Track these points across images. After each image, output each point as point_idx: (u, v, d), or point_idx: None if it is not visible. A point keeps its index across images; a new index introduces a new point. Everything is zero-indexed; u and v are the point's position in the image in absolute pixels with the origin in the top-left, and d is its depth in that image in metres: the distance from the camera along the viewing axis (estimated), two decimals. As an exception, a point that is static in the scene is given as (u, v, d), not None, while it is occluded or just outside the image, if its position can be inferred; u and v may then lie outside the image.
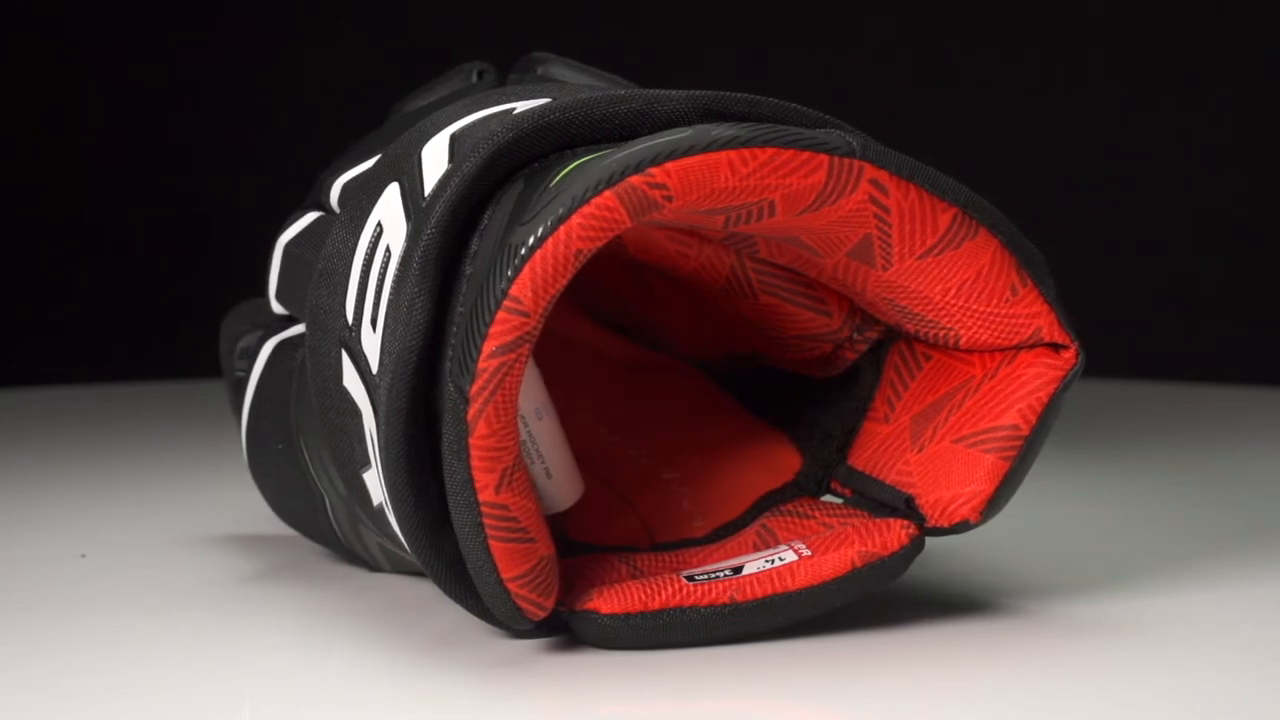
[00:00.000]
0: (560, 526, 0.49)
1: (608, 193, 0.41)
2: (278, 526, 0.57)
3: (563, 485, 0.48)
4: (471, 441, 0.41)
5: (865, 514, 0.47)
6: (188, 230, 1.42)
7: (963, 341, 0.46)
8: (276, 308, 0.54)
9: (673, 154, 0.41)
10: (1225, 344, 1.28)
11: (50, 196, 1.43)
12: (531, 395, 0.46)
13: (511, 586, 0.43)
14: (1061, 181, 1.30)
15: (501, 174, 0.44)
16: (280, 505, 0.55)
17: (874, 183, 0.43)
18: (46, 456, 0.82)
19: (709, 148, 0.42)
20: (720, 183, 0.42)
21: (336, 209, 0.52)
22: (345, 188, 0.51)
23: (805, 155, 0.42)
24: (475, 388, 0.41)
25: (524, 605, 0.43)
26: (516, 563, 0.42)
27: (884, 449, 0.48)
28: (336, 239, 0.48)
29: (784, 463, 0.50)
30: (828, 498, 0.50)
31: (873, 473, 0.48)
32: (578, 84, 0.51)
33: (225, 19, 1.42)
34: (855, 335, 0.49)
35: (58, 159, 1.43)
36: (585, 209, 0.41)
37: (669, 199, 0.41)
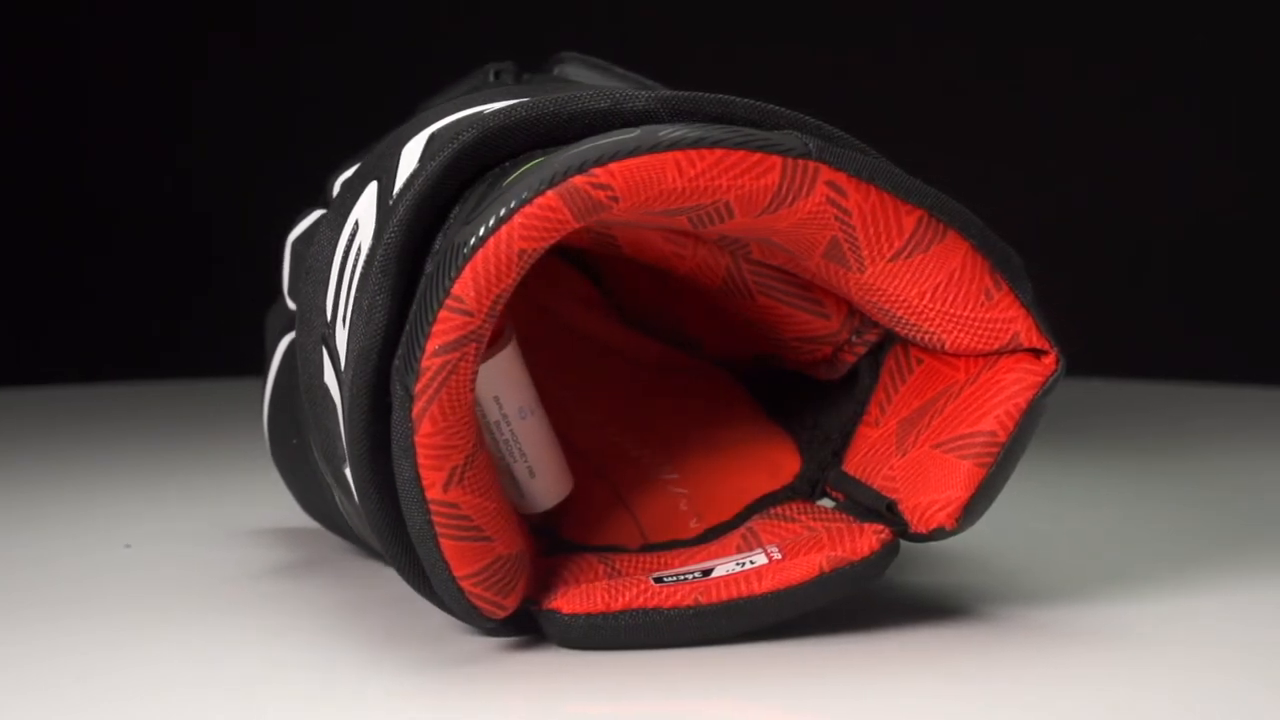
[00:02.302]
0: (553, 525, 0.49)
1: (550, 193, 0.41)
2: (305, 520, 0.58)
3: (547, 484, 0.48)
4: (417, 439, 0.41)
5: (850, 518, 0.47)
6: (188, 231, 1.42)
7: (947, 345, 0.46)
8: (290, 305, 0.54)
9: (617, 154, 0.41)
10: (1225, 344, 1.28)
11: (51, 197, 1.43)
12: (516, 395, 0.47)
13: (465, 585, 0.43)
14: (1061, 181, 1.30)
15: (469, 173, 0.44)
16: (303, 500, 0.56)
17: (831, 184, 0.43)
18: (47, 457, 0.82)
19: (655, 148, 0.41)
20: (668, 183, 0.42)
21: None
22: (341, 185, 0.51)
23: (757, 156, 0.42)
24: (419, 385, 0.41)
25: (480, 604, 0.43)
26: (469, 561, 0.43)
27: (873, 453, 0.48)
28: (322, 236, 0.48)
29: (784, 465, 0.50)
30: (824, 502, 0.50)
31: (861, 477, 0.47)
32: (587, 84, 0.51)
33: (228, 18, 1.42)
34: (854, 338, 0.49)
35: (59, 159, 1.43)
36: (527, 209, 0.41)
37: (615, 199, 0.41)
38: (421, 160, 0.44)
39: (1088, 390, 0.98)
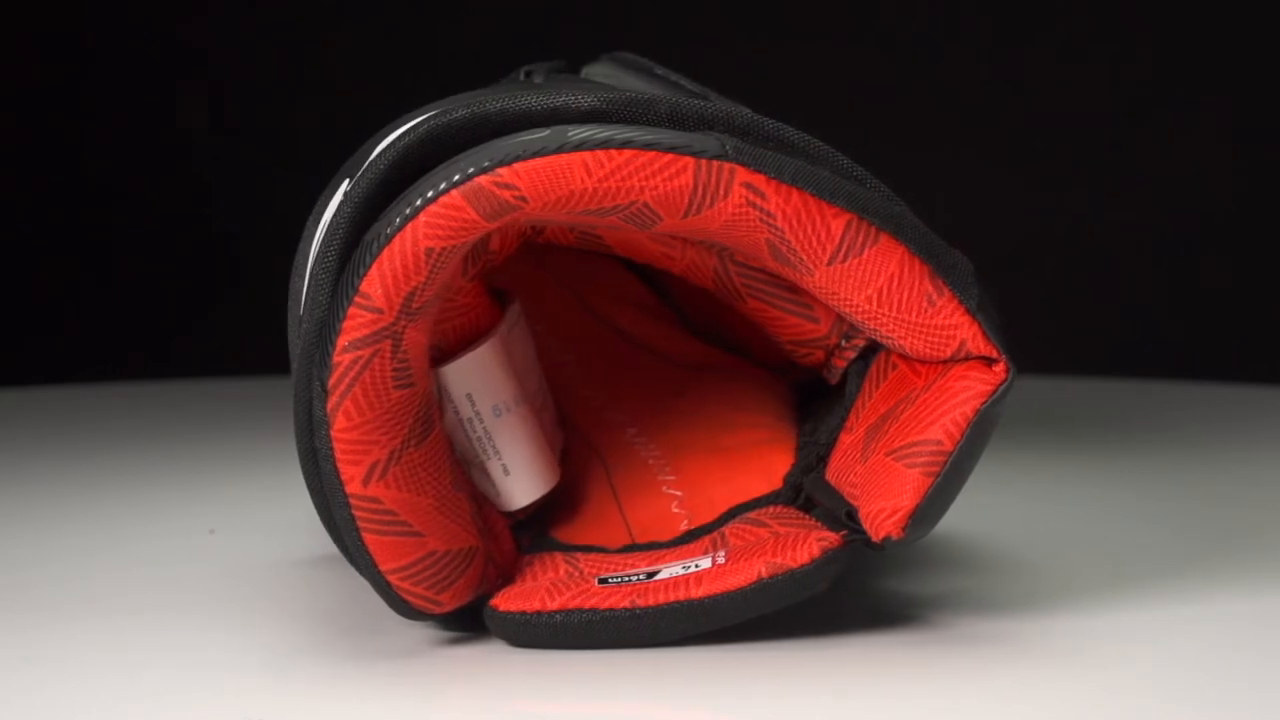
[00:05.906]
0: (544, 523, 0.49)
1: (455, 193, 0.41)
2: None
3: (523, 482, 0.48)
4: (333, 434, 0.42)
5: (816, 524, 0.46)
6: (189, 230, 1.42)
7: (908, 350, 0.45)
8: None
9: (522, 155, 0.42)
10: (1226, 344, 1.28)
11: (53, 198, 1.43)
12: (490, 394, 0.47)
13: (392, 579, 0.43)
14: (1062, 182, 1.30)
15: (417, 171, 0.44)
16: None
17: (749, 186, 0.43)
18: (47, 458, 0.82)
19: (562, 149, 0.42)
20: (576, 184, 0.42)
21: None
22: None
23: (668, 157, 0.42)
24: (332, 380, 0.42)
25: (410, 599, 0.44)
26: (394, 556, 0.43)
27: (844, 459, 0.47)
28: (307, 233, 0.49)
29: (779, 469, 0.50)
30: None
31: (834, 483, 0.47)
32: (597, 83, 0.51)
33: (230, 18, 1.42)
34: (843, 342, 0.48)
35: (61, 159, 1.43)
36: (432, 208, 0.41)
37: (522, 200, 0.42)
38: (375, 158, 0.44)
39: (1086, 389, 0.98)
